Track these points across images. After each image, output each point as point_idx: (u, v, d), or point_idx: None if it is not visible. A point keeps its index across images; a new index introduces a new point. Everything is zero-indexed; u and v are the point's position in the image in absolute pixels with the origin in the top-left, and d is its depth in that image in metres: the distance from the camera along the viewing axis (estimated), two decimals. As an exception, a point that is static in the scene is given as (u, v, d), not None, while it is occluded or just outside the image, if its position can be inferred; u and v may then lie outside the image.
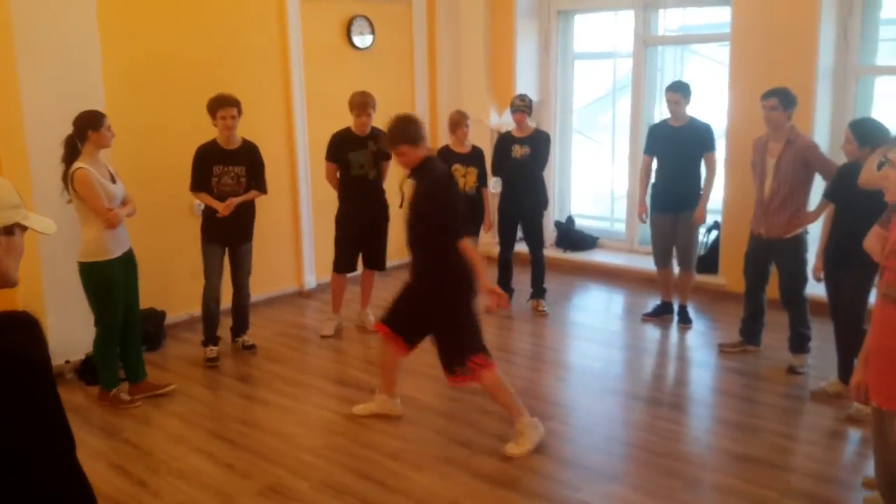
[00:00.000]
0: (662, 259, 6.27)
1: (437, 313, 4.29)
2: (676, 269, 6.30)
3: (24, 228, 1.87)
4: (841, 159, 6.10)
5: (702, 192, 5.98)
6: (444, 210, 4.19)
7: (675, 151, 5.99)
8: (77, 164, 4.61)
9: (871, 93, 6.46)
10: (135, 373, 5.10)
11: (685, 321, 6.26)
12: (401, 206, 4.98)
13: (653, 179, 6.21)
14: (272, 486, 3.97)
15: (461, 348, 4.23)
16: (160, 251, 6.10)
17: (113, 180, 4.78)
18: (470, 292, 4.26)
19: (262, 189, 5.60)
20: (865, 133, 4.60)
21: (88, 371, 5.25)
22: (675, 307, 6.34)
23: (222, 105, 5.31)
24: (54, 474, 1.80)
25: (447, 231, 4.15)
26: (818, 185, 5.23)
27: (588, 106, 8.94)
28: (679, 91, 5.92)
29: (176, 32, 6.14)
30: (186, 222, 5.79)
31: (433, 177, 4.30)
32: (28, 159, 5.09)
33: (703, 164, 5.99)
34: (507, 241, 6.63)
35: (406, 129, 4.22)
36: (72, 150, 4.67)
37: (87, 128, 4.62)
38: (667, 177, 6.08)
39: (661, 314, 6.41)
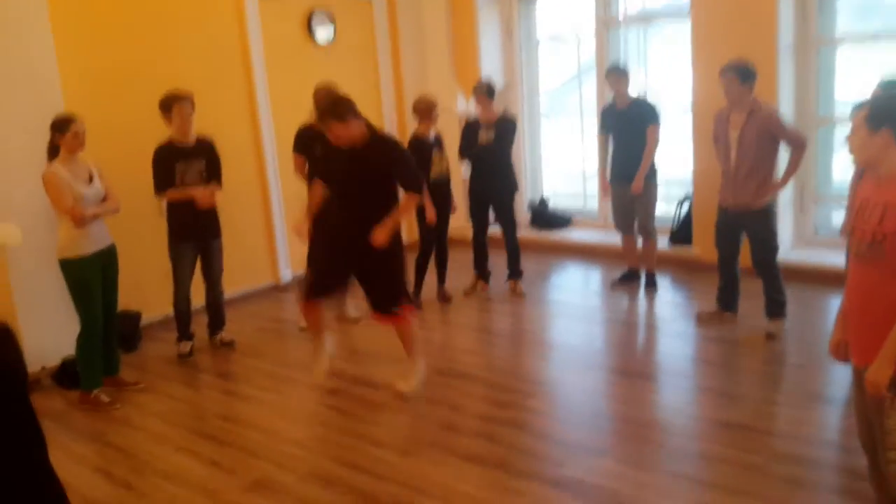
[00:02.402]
0: (622, 226, 6.56)
1: (380, 259, 4.55)
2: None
3: None
4: (804, 129, 6.22)
5: (641, 162, 6.21)
6: (411, 166, 4.61)
7: (623, 129, 6.32)
8: (48, 167, 4.65)
9: (832, 63, 6.52)
10: (108, 367, 5.12)
11: (652, 286, 6.50)
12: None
13: (609, 156, 6.52)
14: (258, 480, 3.93)
15: (398, 291, 4.70)
16: (132, 253, 5.97)
17: (90, 181, 4.74)
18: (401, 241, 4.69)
19: (220, 183, 5.56)
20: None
21: (66, 376, 5.20)
22: (643, 275, 6.56)
23: (176, 100, 5.26)
24: (27, 476, 1.77)
25: (410, 184, 4.56)
26: (784, 156, 5.29)
27: (557, 89, 8.95)
28: (616, 73, 6.24)
29: (132, 32, 6.06)
30: (156, 223, 5.71)
31: (393, 139, 4.70)
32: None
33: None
34: (479, 224, 6.65)
35: (335, 105, 4.43)
36: (52, 152, 4.70)
37: (55, 131, 4.66)
38: (619, 151, 6.42)
39: (628, 281, 6.67)
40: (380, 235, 4.43)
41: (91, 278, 4.77)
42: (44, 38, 5.27)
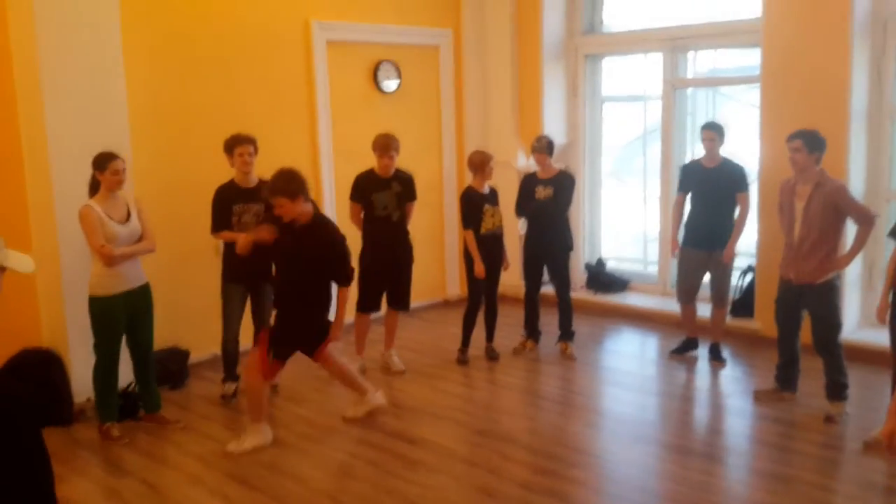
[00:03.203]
0: (686, 295, 6.26)
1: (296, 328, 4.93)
2: (708, 308, 6.25)
3: (3, 269, 1.87)
4: (875, 204, 5.99)
5: (733, 233, 5.99)
6: (344, 260, 4.94)
7: (707, 190, 6.04)
8: (86, 202, 4.77)
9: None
10: (147, 404, 5.24)
11: (717, 358, 6.21)
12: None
13: (685, 218, 6.23)
14: (287, 531, 3.86)
15: (279, 342, 4.88)
16: (184, 290, 6.10)
17: (127, 219, 4.82)
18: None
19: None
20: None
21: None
22: (707, 345, 6.29)
23: (239, 143, 5.37)
24: None
25: (339, 276, 4.94)
26: (851, 229, 5.09)
27: (622, 149, 8.88)
28: (714, 129, 5.98)
29: (201, 72, 6.20)
30: (211, 263, 5.77)
31: (334, 229, 4.93)
32: (53, 194, 5.13)
33: (738, 204, 6.01)
34: (532, 281, 6.54)
35: (285, 182, 4.65)
36: (93, 188, 4.83)
37: (95, 169, 4.79)
38: (699, 214, 6.11)
39: (686, 350, 6.40)
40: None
41: (115, 317, 4.86)
42: (116, 74, 5.43)
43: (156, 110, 5.92)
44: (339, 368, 5.15)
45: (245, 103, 6.41)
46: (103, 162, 4.75)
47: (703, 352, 6.34)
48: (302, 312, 4.91)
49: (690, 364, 6.27)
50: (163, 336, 5.83)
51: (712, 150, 5.99)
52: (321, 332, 4.97)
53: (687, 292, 6.25)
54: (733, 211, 6.00)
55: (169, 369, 5.83)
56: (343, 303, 4.92)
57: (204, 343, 6.11)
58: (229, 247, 5.46)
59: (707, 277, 6.20)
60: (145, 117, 5.79)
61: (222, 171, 5.51)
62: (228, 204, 5.40)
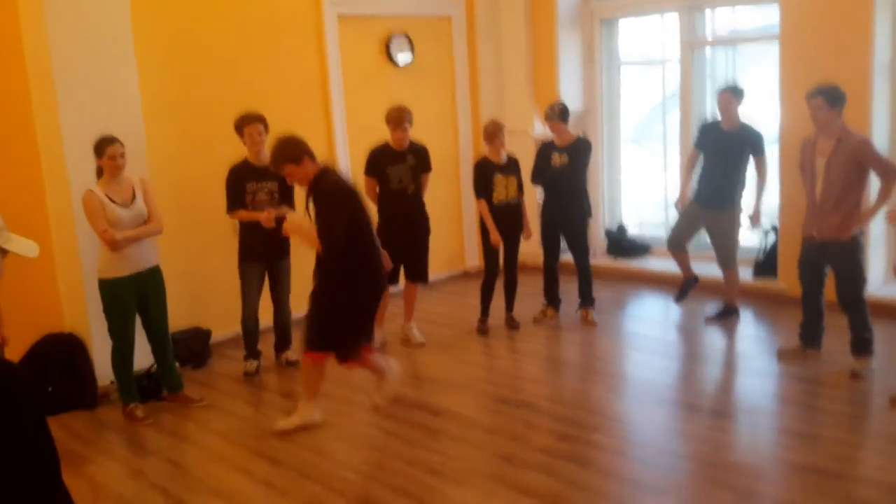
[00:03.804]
0: (675, 243, 6.33)
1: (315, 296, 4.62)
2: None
3: (4, 252, 1.86)
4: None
5: (756, 197, 5.99)
6: (327, 218, 4.41)
7: (722, 152, 6.01)
8: (88, 188, 4.79)
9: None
10: (169, 385, 5.26)
11: (729, 315, 6.26)
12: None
13: (697, 173, 6.26)
14: (309, 503, 3.88)
15: (311, 336, 4.57)
16: (204, 271, 6.15)
17: (131, 202, 4.83)
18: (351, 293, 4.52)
19: (292, 205, 5.59)
20: None
21: (140, 388, 5.27)
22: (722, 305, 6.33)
23: (248, 122, 5.37)
24: (36, 493, 1.75)
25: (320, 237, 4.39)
26: (874, 184, 4.98)
27: (643, 115, 8.74)
28: (731, 92, 5.91)
29: (213, 58, 6.19)
30: (230, 241, 5.79)
31: (324, 188, 4.44)
32: (69, 181, 5.16)
33: (755, 168, 6.00)
34: (550, 250, 6.49)
35: (285, 149, 4.43)
36: (99, 173, 4.86)
37: (96, 154, 4.80)
38: (709, 174, 6.11)
39: (688, 291, 6.50)
40: (289, 225, 4.70)
41: (125, 300, 4.88)
42: (128, 62, 5.44)
43: (169, 96, 5.93)
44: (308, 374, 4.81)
45: (258, 83, 6.39)
46: (101, 147, 4.75)
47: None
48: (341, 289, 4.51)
49: (713, 327, 6.19)
50: (184, 316, 5.91)
51: (730, 113, 5.92)
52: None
53: (672, 240, 6.34)
54: (743, 175, 5.98)
55: (191, 349, 5.88)
56: (311, 236, 4.45)
57: (226, 322, 6.14)
58: (245, 226, 5.48)
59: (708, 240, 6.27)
60: (159, 104, 5.80)
61: (238, 152, 5.52)
62: (242, 183, 5.41)
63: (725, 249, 6.12)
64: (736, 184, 5.97)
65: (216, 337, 6.17)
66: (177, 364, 5.37)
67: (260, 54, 6.47)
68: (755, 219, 6.03)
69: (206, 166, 5.98)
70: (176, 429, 4.93)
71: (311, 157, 4.46)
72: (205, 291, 6.16)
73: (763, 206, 6.05)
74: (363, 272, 4.53)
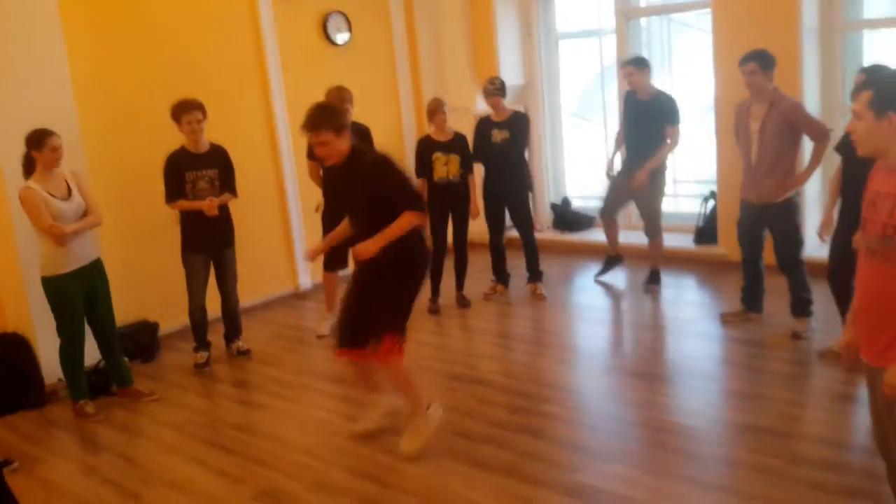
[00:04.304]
0: (605, 213, 6.55)
1: (374, 288, 4.03)
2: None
3: None
4: (831, 119, 6.02)
5: (649, 157, 6.06)
6: (402, 182, 3.96)
7: (637, 122, 6.17)
8: (25, 184, 4.63)
9: (860, 48, 6.30)
10: (118, 378, 5.17)
11: (653, 282, 6.40)
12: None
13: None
14: (266, 490, 3.88)
15: (385, 322, 3.98)
16: (148, 263, 6.05)
17: (68, 196, 4.72)
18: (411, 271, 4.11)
19: (234, 192, 5.52)
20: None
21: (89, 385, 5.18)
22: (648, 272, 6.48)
23: (186, 110, 5.23)
24: None
25: (405, 204, 3.89)
26: (808, 146, 5.11)
27: (583, 87, 8.80)
28: (633, 64, 6.06)
29: (144, 38, 6.05)
30: (172, 233, 5.70)
31: (372, 159, 4.00)
32: (4, 179, 5.02)
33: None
34: (496, 226, 6.53)
35: (330, 114, 3.89)
36: (28, 168, 4.68)
37: (31, 148, 4.62)
38: (630, 144, 6.31)
39: (608, 268, 6.71)
40: (364, 249, 3.89)
41: (71, 295, 4.77)
42: (55, 43, 5.27)
43: (101, 83, 5.79)
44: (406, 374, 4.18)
45: (193, 66, 6.27)
46: (40, 140, 4.58)
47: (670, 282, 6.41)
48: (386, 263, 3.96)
49: (659, 295, 6.32)
50: (130, 310, 5.82)
51: (637, 84, 6.07)
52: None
53: (603, 210, 6.57)
54: (660, 144, 6.06)
55: (139, 343, 5.80)
56: (397, 226, 3.86)
57: (173, 314, 6.05)
58: (187, 216, 5.40)
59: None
60: (91, 91, 5.66)
61: (176, 139, 5.40)
62: (181, 171, 5.31)
63: (649, 218, 6.27)
64: (657, 152, 6.05)
65: (164, 329, 6.09)
66: (125, 359, 5.28)
67: (194, 37, 6.35)
68: (637, 180, 6.07)
69: (143, 153, 5.84)
70: (127, 423, 4.87)
71: (349, 131, 3.96)
72: (149, 284, 6.07)
73: (651, 168, 6.02)
74: (419, 243, 4.14)
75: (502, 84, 6.27)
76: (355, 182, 3.98)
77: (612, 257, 6.64)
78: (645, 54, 7.58)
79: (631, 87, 6.14)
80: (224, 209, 5.46)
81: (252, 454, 4.27)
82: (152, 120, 5.83)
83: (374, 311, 4.02)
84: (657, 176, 6.14)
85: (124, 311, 5.58)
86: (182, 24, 6.27)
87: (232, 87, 6.57)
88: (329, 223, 5.90)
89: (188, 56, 6.28)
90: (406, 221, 3.89)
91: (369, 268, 3.98)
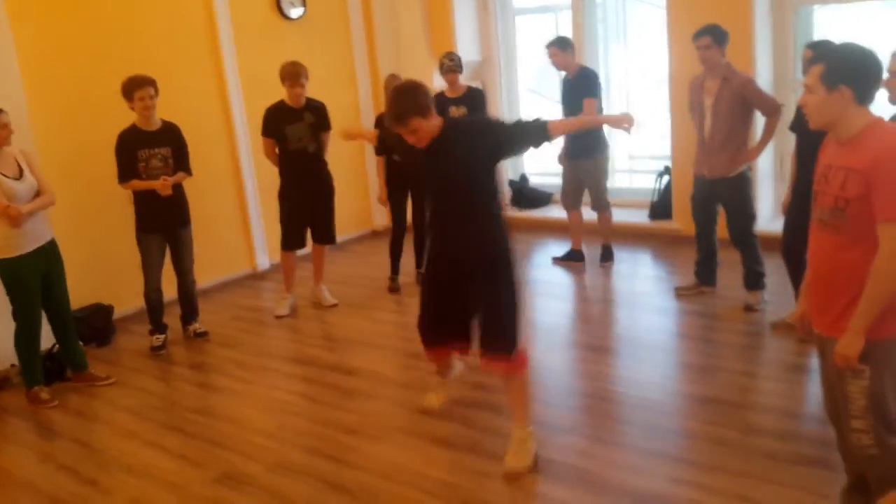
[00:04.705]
0: (566, 202, 6.50)
1: (498, 284, 3.57)
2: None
3: None
4: (782, 93, 6.10)
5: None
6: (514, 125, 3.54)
7: (568, 101, 6.18)
8: None
9: (810, 24, 6.39)
10: (73, 363, 5.09)
11: (606, 259, 6.47)
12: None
13: None
14: (226, 472, 3.86)
15: (516, 324, 3.57)
16: (101, 245, 5.95)
17: (20, 175, 4.60)
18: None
19: (188, 170, 5.44)
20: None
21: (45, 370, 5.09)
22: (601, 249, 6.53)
23: (139, 86, 5.11)
24: None
25: (532, 139, 3.49)
26: (760, 121, 5.18)
27: (541, 64, 8.78)
28: (555, 45, 6.09)
29: (93, 17, 5.91)
30: (127, 213, 5.61)
31: (469, 125, 3.68)
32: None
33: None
34: None
35: (411, 98, 3.35)
36: None
37: None
38: None
39: (570, 260, 6.64)
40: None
41: (28, 277, 4.67)
42: (1, 27, 5.14)
43: (49, 60, 5.65)
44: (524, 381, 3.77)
45: (143, 42, 6.15)
46: None
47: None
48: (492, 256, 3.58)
49: (612, 270, 6.39)
50: (84, 293, 5.73)
51: (561, 64, 6.13)
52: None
53: (563, 198, 6.52)
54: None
55: (94, 326, 5.71)
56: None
57: (128, 297, 5.96)
58: (140, 195, 5.30)
59: None
60: (38, 69, 5.52)
61: (127, 118, 5.28)
62: (133, 150, 5.21)
63: (595, 193, 6.31)
64: (589, 130, 6.04)
65: (119, 312, 6.00)
66: (80, 343, 5.20)
67: (144, 13, 6.21)
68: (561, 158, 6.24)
69: (93, 133, 5.74)
70: (83, 409, 4.80)
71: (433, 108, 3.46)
72: (103, 266, 5.97)
73: (568, 130, 5.63)
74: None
75: (459, 60, 6.25)
76: (461, 147, 3.43)
77: (574, 252, 6.62)
78: (600, 29, 7.64)
79: (556, 67, 6.19)
80: (178, 188, 5.37)
81: (211, 437, 4.25)
82: (102, 99, 5.71)
83: (508, 314, 3.57)
84: (600, 152, 6.20)
85: (78, 295, 5.48)
86: (131, 3, 6.12)
87: (184, 63, 6.45)
88: (290, 204, 5.86)
89: (138, 32, 6.14)
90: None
91: (478, 264, 3.56)
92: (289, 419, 4.41)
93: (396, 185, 6.11)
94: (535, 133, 3.48)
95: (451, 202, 3.55)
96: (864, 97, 2.50)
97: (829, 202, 2.57)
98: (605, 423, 4.04)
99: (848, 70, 2.48)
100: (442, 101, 6.29)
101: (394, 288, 6.37)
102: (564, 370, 4.75)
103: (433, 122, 3.42)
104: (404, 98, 3.37)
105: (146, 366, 5.36)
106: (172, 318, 5.73)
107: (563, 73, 6.27)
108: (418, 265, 6.48)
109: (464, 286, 3.60)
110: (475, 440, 3.93)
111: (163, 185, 5.17)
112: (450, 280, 3.65)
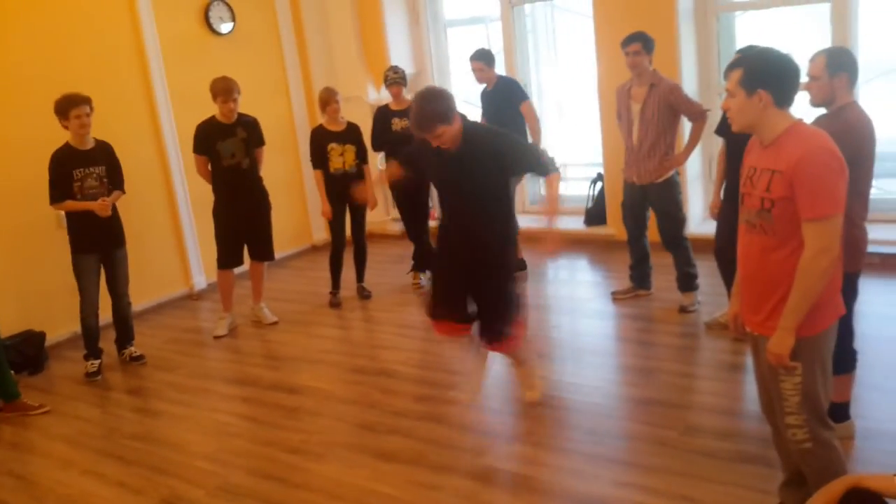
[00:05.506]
0: None
1: (497, 276, 3.99)
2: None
3: None
4: (707, 99, 6.26)
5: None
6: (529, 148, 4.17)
7: (491, 111, 6.23)
8: None
9: (732, 29, 6.58)
10: (4, 392, 4.94)
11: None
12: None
13: None
14: (166, 499, 3.78)
15: (509, 315, 4.00)
16: (31, 269, 5.77)
17: None
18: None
19: (122, 189, 5.34)
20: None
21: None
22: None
23: (75, 104, 4.99)
24: None
25: (532, 167, 3.97)
26: (686, 127, 5.31)
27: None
28: (479, 59, 6.18)
29: (20, 33, 5.76)
30: (56, 237, 5.46)
31: (487, 130, 3.99)
32: None
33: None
34: (408, 214, 6.54)
35: (435, 106, 3.56)
36: None
37: None
38: None
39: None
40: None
41: None
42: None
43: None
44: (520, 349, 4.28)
45: (68, 60, 6.00)
46: None
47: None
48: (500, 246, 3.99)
49: (552, 276, 6.46)
50: (13, 320, 5.56)
51: (486, 78, 6.21)
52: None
53: None
54: (520, 127, 6.13)
55: (25, 354, 5.54)
56: (553, 194, 4.01)
57: (60, 322, 5.83)
58: (74, 216, 5.16)
59: None
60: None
61: (58, 136, 5.13)
62: (68, 169, 5.06)
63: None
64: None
65: (51, 338, 5.83)
66: (11, 371, 5.03)
67: (68, 30, 6.05)
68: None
69: (21, 157, 5.59)
70: (16, 440, 4.65)
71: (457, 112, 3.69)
72: (33, 291, 5.79)
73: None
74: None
75: (404, 73, 6.32)
76: (474, 161, 3.73)
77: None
78: (530, 40, 7.74)
79: (479, 81, 6.25)
80: (113, 208, 5.25)
81: (151, 463, 4.15)
82: (31, 118, 5.57)
83: (503, 306, 4.01)
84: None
85: (7, 322, 5.33)
86: (55, 18, 5.97)
87: (111, 81, 6.30)
88: (225, 221, 5.79)
89: (63, 50, 6.00)
90: (554, 186, 3.99)
91: (482, 254, 3.93)
92: (231, 441, 4.34)
93: (334, 198, 6.09)
94: (538, 168, 3.94)
95: (466, 206, 3.89)
96: (783, 100, 2.57)
97: (756, 204, 2.65)
98: (550, 430, 4.08)
99: (766, 74, 2.56)
100: (386, 113, 6.33)
101: (335, 303, 6.33)
102: (509, 379, 4.77)
103: (457, 125, 3.65)
104: (428, 107, 3.57)
105: (81, 392, 5.22)
106: (107, 343, 5.59)
107: (483, 86, 6.33)
108: (359, 279, 6.46)
109: (469, 277, 3.99)
110: (420, 452, 3.93)
111: (101, 206, 5.05)
112: (460, 270, 4.01)
